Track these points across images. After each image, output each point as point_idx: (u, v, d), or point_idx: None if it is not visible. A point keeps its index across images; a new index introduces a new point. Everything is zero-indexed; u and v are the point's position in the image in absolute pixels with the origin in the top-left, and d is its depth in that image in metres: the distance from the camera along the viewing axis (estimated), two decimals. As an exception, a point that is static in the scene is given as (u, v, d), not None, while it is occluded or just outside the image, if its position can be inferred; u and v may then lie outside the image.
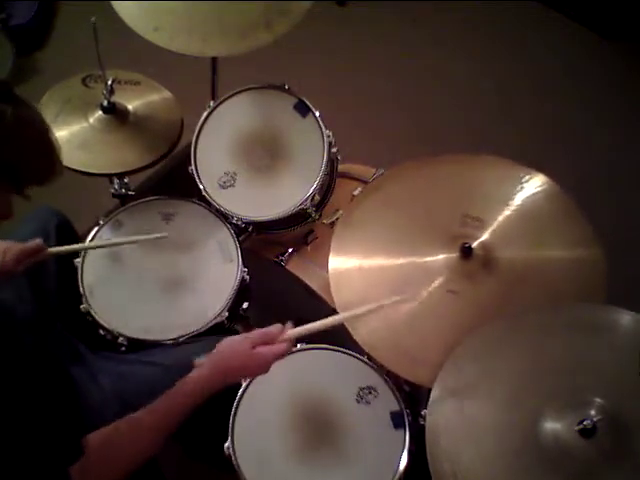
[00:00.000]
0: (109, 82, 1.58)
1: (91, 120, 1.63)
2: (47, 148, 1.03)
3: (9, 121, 0.95)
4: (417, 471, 1.23)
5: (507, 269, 1.33)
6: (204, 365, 1.10)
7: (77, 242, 1.62)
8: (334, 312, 1.35)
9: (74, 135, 1.62)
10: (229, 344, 1.12)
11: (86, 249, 1.53)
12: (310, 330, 1.13)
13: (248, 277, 1.57)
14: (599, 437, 1.04)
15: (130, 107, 1.68)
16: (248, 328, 1.84)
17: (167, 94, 1.74)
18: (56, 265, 1.49)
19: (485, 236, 1.36)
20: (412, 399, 1.44)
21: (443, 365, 1.20)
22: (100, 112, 1.63)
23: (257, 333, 1.12)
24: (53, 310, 1.52)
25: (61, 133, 1.61)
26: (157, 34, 1.55)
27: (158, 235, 1.50)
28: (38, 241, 1.38)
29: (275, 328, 1.13)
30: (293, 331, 1.13)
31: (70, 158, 1.57)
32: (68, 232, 1.60)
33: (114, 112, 1.63)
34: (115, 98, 1.63)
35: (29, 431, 0.96)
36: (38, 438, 0.97)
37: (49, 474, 0.98)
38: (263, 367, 1.11)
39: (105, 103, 1.62)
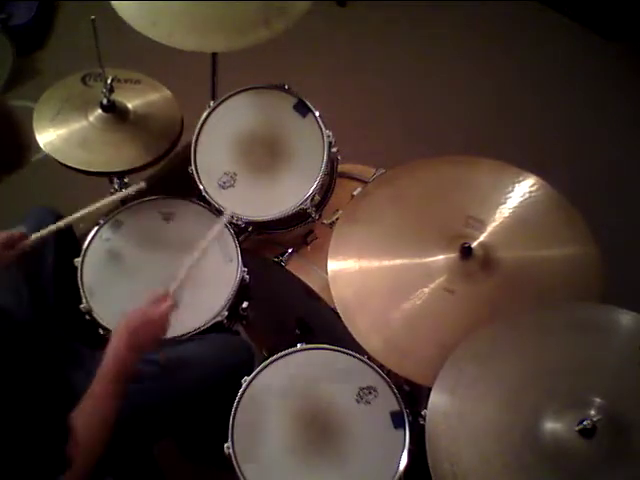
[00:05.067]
0: (109, 80, 1.58)
1: (91, 119, 1.62)
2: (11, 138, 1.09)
3: None
4: (417, 471, 1.23)
5: (507, 269, 1.33)
6: (118, 347, 1.18)
7: (74, 240, 1.62)
8: (334, 312, 1.36)
9: (74, 134, 1.61)
10: (131, 322, 1.20)
11: (67, 224, 1.48)
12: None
13: (248, 277, 1.57)
14: (599, 437, 1.04)
15: (130, 106, 1.67)
16: (248, 327, 1.86)
17: (167, 93, 1.74)
18: (53, 265, 1.49)
19: (485, 237, 1.36)
20: (412, 399, 1.44)
21: (443, 365, 1.20)
22: (100, 111, 1.62)
23: (149, 301, 1.24)
24: (51, 312, 1.52)
25: (60, 131, 1.60)
26: (156, 29, 1.54)
27: (136, 187, 1.55)
28: (21, 228, 1.41)
29: (161, 290, 1.27)
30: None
31: (70, 156, 1.57)
32: (65, 231, 1.59)
33: (114, 111, 1.62)
34: (115, 97, 1.62)
35: (22, 434, 0.97)
36: (30, 442, 0.97)
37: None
38: (166, 326, 1.23)
39: (105, 102, 1.61)
